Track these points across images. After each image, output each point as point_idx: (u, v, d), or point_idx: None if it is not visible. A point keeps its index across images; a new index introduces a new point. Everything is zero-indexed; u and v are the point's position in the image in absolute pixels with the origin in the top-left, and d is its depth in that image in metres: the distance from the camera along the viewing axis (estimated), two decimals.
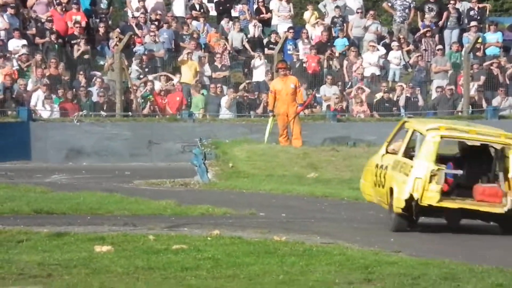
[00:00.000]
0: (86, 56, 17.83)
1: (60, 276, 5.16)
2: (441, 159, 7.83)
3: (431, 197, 7.31)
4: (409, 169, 7.51)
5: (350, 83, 18.20)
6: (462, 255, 6.17)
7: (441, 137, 7.78)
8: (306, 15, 19.59)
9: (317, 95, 17.59)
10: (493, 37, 18.79)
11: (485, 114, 16.80)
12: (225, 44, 18.37)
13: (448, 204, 7.46)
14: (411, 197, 7.34)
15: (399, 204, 7.40)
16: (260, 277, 5.18)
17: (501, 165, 7.93)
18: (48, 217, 8.01)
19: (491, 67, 18.05)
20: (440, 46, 18.37)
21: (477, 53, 18.34)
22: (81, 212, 8.41)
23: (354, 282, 5.09)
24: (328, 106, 17.39)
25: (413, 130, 8.08)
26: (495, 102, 17.51)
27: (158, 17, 18.91)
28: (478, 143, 8.08)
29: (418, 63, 18.26)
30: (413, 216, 7.46)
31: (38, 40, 18.03)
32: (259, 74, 18.19)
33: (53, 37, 17.80)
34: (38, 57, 17.43)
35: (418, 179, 7.37)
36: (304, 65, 18.32)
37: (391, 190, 7.61)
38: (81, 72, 17.49)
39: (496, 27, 19.01)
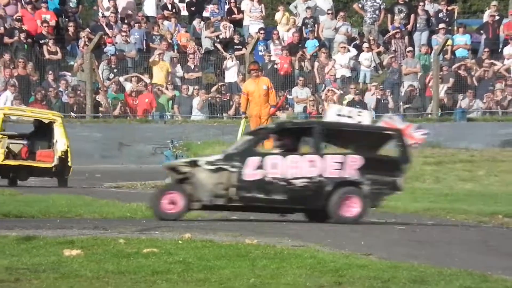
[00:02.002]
0: (55, 57, 17.65)
1: (28, 280, 5.10)
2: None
3: None
4: None
5: (323, 85, 18.29)
6: (430, 257, 6.25)
7: (4, 114, 12.35)
8: (278, 16, 19.64)
9: (289, 97, 17.65)
10: (461, 39, 19.04)
11: (453, 116, 17.02)
12: (195, 46, 18.33)
13: (10, 162, 11.73)
14: None
15: None
16: (231, 280, 5.18)
17: (52, 136, 12.03)
18: (17, 220, 7.92)
19: (459, 70, 18.30)
20: (410, 48, 18.56)
21: (446, 56, 18.57)
22: (50, 215, 8.32)
23: (325, 285, 5.11)
24: (305, 109, 17.44)
25: None
26: (463, 104, 17.75)
27: (129, 17, 18.80)
28: (31, 119, 12.44)
29: (391, 64, 18.42)
30: None
31: (6, 39, 17.78)
32: (231, 75, 18.19)
33: (22, 36, 17.58)
34: (7, 57, 17.20)
35: None
36: (275, 66, 18.36)
37: None
38: (50, 72, 17.31)
39: (465, 29, 19.27)
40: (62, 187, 11.70)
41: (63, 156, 11.86)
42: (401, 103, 17.59)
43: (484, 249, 6.99)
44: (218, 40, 18.85)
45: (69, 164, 11.93)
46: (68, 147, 11.97)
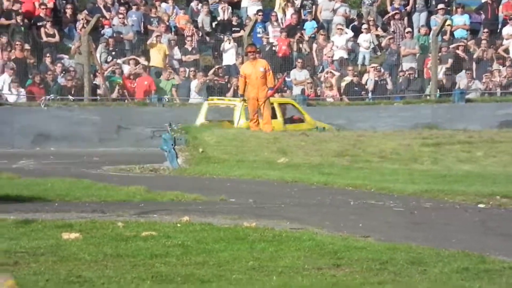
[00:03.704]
0: (53, 39, 17.55)
1: (27, 264, 5.10)
2: None
3: None
4: None
5: (321, 67, 18.23)
6: (428, 239, 6.26)
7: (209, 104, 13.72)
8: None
9: (287, 79, 17.59)
10: (460, 19, 18.95)
11: (452, 97, 16.99)
12: (193, 28, 18.24)
13: None
14: None
15: None
16: (230, 263, 5.19)
17: None
18: (15, 203, 7.91)
19: (457, 51, 18.23)
20: (409, 29, 18.47)
21: (444, 37, 18.49)
22: (49, 198, 8.31)
23: (323, 268, 5.12)
24: (303, 91, 17.40)
25: None
26: (462, 85, 17.70)
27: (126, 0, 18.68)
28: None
29: (390, 45, 18.35)
30: None
31: (3, 21, 17.68)
32: (229, 57, 18.12)
33: (19, 18, 17.47)
34: (4, 39, 17.10)
35: None
36: (274, 48, 18.28)
37: None
38: (48, 55, 17.22)
39: (463, 10, 19.18)
40: None
41: None
42: (402, 87, 17.55)
43: (482, 230, 7.00)
44: (216, 22, 18.75)
45: None
46: None
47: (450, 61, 18.04)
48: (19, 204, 7.82)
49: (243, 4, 19.33)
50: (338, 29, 18.31)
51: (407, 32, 18.29)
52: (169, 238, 5.92)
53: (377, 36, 18.96)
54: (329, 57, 18.05)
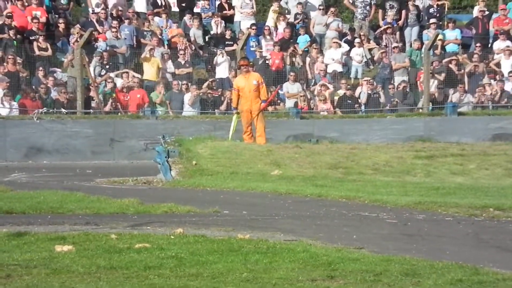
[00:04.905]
0: (45, 53, 17.56)
1: (19, 276, 5.07)
2: None
3: None
4: None
5: (313, 80, 18.29)
6: (422, 251, 6.26)
7: None
8: (271, 12, 19.59)
9: (280, 92, 17.64)
10: (451, 34, 19.10)
11: (444, 110, 17.07)
12: (186, 42, 18.29)
13: None
14: None
15: None
16: (224, 275, 5.17)
17: None
18: (8, 216, 7.87)
19: (450, 65, 18.35)
20: (396, 44, 18.59)
21: (436, 51, 18.62)
22: (42, 211, 8.28)
23: (317, 279, 5.11)
24: (296, 104, 17.45)
25: None
26: (454, 98, 17.80)
27: (119, 13, 18.73)
28: None
29: (382, 59, 18.45)
30: None
31: None
32: (222, 71, 18.16)
33: (11, 33, 17.48)
34: None
35: None
36: (267, 62, 18.35)
37: None
38: (41, 69, 17.22)
39: (454, 24, 19.33)
40: None
41: None
42: (396, 100, 17.62)
43: (475, 242, 7.01)
44: (209, 36, 18.81)
45: None
46: None
47: (442, 75, 18.16)
48: (12, 217, 7.78)
49: (236, 18, 19.42)
50: (334, 42, 18.41)
51: (394, 47, 18.41)
52: (162, 250, 5.90)
53: (370, 49, 19.06)
54: (321, 70, 18.13)
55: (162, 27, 18.68)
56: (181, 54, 18.06)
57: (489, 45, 18.97)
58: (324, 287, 4.96)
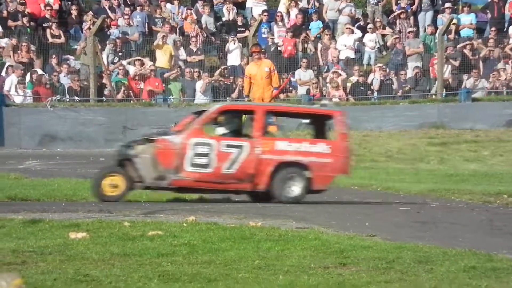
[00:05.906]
0: (58, 40, 17.60)
1: (34, 263, 5.13)
2: None
3: None
4: None
5: (326, 67, 18.20)
6: (435, 238, 6.25)
7: None
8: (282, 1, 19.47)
9: (292, 79, 17.57)
10: (466, 18, 18.88)
11: (458, 96, 16.95)
12: (198, 29, 18.24)
13: None
14: None
15: None
16: (236, 262, 5.20)
17: None
18: (23, 203, 7.95)
19: (464, 50, 18.17)
20: (411, 29, 18.42)
21: (450, 36, 18.44)
22: (56, 198, 8.35)
23: (329, 267, 5.13)
24: (308, 91, 17.38)
25: None
26: (468, 84, 17.65)
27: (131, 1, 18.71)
28: None
29: (395, 45, 18.30)
30: None
31: (10, 23, 17.73)
32: (233, 58, 18.11)
33: (25, 20, 17.53)
34: (14, 41, 17.16)
35: None
36: (279, 48, 18.27)
37: None
38: (54, 56, 17.27)
39: (470, 9, 19.11)
40: None
41: None
42: (408, 86, 17.50)
43: (489, 229, 6.99)
44: (221, 23, 18.75)
45: None
46: None
47: (457, 60, 17.99)
48: (27, 204, 7.85)
49: (248, 5, 19.32)
50: (347, 28, 18.28)
51: (409, 32, 18.24)
52: (175, 238, 5.93)
53: (383, 35, 18.92)
54: (334, 57, 18.03)
55: (174, 14, 18.65)
56: (192, 41, 18.03)
57: (505, 29, 18.75)
58: (336, 275, 4.96)
